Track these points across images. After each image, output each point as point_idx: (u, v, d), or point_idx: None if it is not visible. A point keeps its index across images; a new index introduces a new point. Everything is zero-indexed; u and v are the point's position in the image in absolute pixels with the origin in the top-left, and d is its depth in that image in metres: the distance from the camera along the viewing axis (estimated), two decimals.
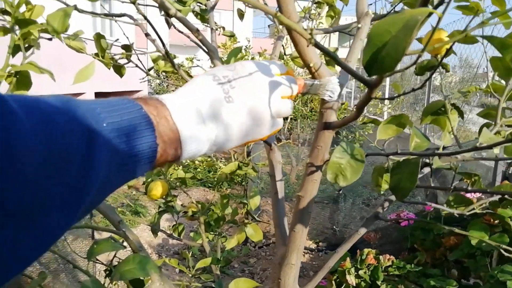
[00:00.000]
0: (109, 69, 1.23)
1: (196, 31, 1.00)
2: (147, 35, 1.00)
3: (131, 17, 1.03)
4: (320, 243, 3.07)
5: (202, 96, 0.40)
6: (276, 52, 1.07)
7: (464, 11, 0.68)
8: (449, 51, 1.01)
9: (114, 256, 0.92)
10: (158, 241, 3.09)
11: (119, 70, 1.23)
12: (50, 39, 0.87)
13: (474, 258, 1.43)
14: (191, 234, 2.78)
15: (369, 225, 0.77)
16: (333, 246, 2.86)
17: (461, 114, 0.89)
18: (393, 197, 0.77)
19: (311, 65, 0.61)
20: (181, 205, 1.31)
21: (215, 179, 4.85)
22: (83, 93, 6.83)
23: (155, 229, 1.22)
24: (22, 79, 0.85)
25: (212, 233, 1.27)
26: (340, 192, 3.26)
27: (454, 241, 1.57)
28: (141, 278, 0.74)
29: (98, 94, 7.47)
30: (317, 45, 0.45)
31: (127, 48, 1.18)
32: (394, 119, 0.75)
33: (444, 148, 0.68)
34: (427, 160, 0.73)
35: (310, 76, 0.65)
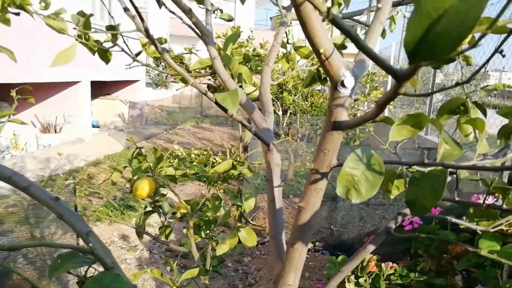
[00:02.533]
0: (94, 54, 1.12)
1: (188, 12, 0.89)
2: (125, 9, 0.88)
3: None
4: (317, 243, 2.97)
5: None
6: (278, 39, 0.96)
7: None
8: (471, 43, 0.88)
9: (89, 267, 0.82)
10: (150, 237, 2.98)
11: (104, 55, 1.12)
12: (17, 14, 0.76)
13: (483, 268, 1.34)
14: (185, 230, 2.68)
15: (378, 242, 0.66)
16: (330, 247, 2.77)
17: (483, 112, 0.79)
18: (407, 211, 0.67)
19: (321, 51, 0.50)
20: (169, 205, 1.21)
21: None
22: (79, 81, 6.67)
23: (139, 231, 1.12)
24: None
25: (202, 237, 1.17)
26: None
27: (461, 248, 1.47)
28: None
29: (93, 83, 7.32)
30: (334, 22, 0.34)
31: (113, 29, 1.07)
32: (410, 119, 0.64)
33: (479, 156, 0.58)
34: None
35: (317, 65, 0.54)
